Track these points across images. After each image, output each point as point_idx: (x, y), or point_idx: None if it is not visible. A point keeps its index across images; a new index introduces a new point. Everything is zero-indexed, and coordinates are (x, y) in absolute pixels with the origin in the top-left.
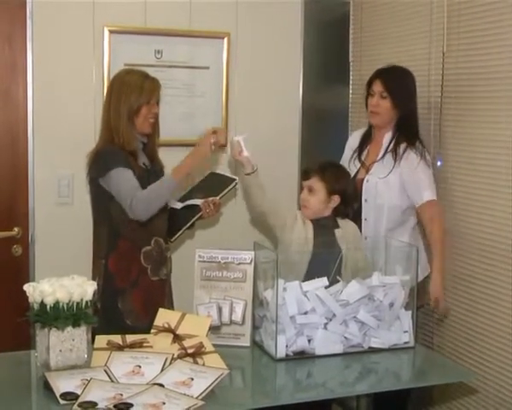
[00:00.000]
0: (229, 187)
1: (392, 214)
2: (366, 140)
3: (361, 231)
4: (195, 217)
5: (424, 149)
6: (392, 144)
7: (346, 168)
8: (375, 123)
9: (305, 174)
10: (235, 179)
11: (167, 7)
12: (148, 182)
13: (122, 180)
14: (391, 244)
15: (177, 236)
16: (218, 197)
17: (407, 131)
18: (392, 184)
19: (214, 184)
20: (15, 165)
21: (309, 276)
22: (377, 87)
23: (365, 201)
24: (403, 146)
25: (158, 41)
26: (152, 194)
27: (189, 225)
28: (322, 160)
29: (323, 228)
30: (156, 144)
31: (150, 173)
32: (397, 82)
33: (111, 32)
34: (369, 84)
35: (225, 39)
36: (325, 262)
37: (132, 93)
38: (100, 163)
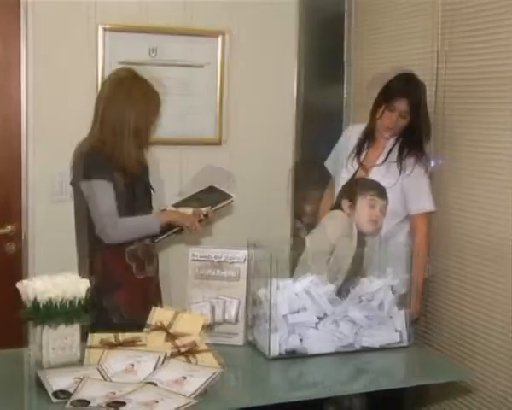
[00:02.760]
0: (224, 203)
1: (393, 219)
2: (366, 140)
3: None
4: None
5: (427, 161)
6: (395, 149)
7: (344, 166)
8: (387, 137)
9: (382, 193)
10: (231, 197)
11: (162, 5)
12: (132, 186)
13: (101, 196)
14: (385, 244)
15: (161, 238)
16: (211, 209)
17: (413, 137)
18: (394, 191)
19: (210, 198)
20: (10, 162)
21: (350, 273)
22: (401, 106)
23: None
24: (410, 160)
25: (153, 39)
26: (133, 227)
27: (174, 231)
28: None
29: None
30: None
31: (135, 177)
32: (419, 101)
33: (106, 29)
34: (391, 96)
35: (220, 37)
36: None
37: (142, 113)
38: (83, 167)
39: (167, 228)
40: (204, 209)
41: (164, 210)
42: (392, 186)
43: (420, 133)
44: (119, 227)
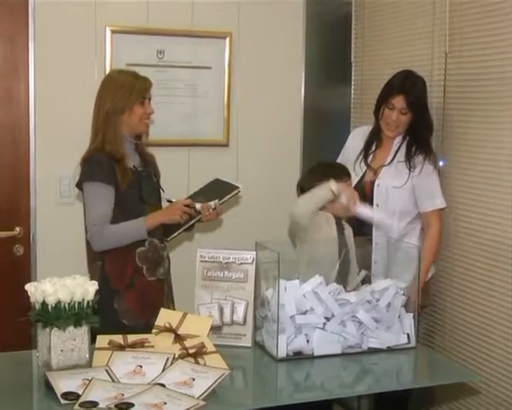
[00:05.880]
0: (232, 194)
1: (403, 220)
2: (373, 142)
3: (371, 235)
4: (193, 220)
5: (436, 158)
6: (402, 148)
7: (352, 169)
8: (391, 136)
9: (347, 175)
10: (238, 187)
11: (169, 7)
12: (139, 185)
13: (96, 200)
14: (394, 245)
15: (173, 236)
16: (219, 202)
17: (419, 135)
18: (404, 190)
19: (217, 190)
20: (17, 164)
21: (339, 274)
22: (398, 104)
23: (377, 206)
24: (419, 158)
25: (160, 41)
26: (120, 233)
27: (185, 227)
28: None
29: (340, 227)
30: (145, 144)
31: (142, 176)
32: (418, 97)
33: (113, 31)
34: (388, 95)
35: (227, 39)
36: (348, 261)
37: (121, 91)
38: (86, 169)
39: (177, 226)
40: (212, 203)
41: (169, 201)
42: (402, 186)
43: (426, 130)
44: (106, 235)
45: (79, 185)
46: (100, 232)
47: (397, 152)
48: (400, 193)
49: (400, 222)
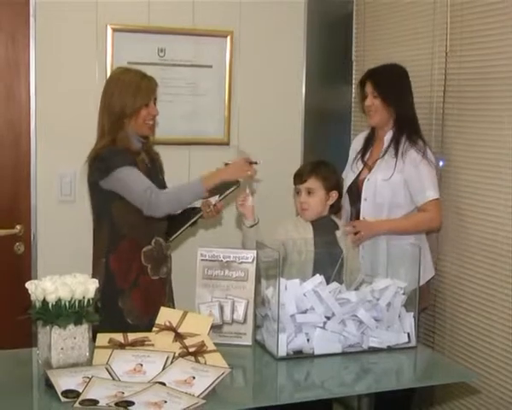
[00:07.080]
0: (231, 189)
1: (393, 214)
2: (369, 142)
3: None
4: (195, 218)
5: (426, 147)
6: (393, 143)
7: (350, 169)
8: (373, 123)
9: (299, 178)
10: (238, 182)
11: (170, 5)
12: (151, 180)
13: (132, 178)
14: (393, 244)
15: (175, 235)
16: (219, 198)
17: (407, 129)
18: (393, 183)
19: (217, 186)
20: (18, 163)
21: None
22: (368, 88)
23: (365, 200)
24: (403, 145)
25: (161, 39)
26: (178, 194)
27: (188, 225)
28: (309, 161)
29: (324, 229)
30: (151, 142)
31: (151, 172)
32: (387, 81)
33: (114, 30)
34: (362, 85)
35: (228, 38)
36: (329, 263)
37: (128, 93)
38: (100, 166)
39: (179, 225)
40: (212, 199)
41: (226, 164)
42: (389, 178)
43: (407, 120)
44: (163, 199)
45: (97, 180)
46: (156, 196)
47: (388, 147)
48: (389, 186)
49: (390, 216)
